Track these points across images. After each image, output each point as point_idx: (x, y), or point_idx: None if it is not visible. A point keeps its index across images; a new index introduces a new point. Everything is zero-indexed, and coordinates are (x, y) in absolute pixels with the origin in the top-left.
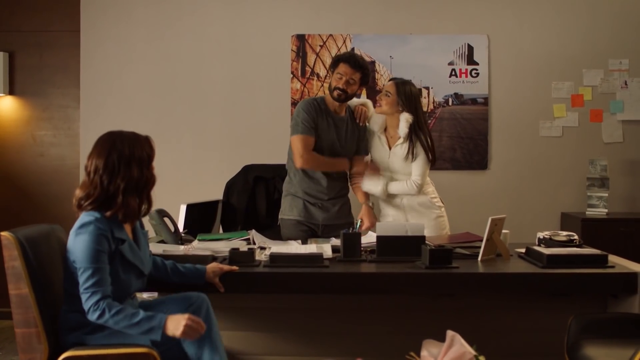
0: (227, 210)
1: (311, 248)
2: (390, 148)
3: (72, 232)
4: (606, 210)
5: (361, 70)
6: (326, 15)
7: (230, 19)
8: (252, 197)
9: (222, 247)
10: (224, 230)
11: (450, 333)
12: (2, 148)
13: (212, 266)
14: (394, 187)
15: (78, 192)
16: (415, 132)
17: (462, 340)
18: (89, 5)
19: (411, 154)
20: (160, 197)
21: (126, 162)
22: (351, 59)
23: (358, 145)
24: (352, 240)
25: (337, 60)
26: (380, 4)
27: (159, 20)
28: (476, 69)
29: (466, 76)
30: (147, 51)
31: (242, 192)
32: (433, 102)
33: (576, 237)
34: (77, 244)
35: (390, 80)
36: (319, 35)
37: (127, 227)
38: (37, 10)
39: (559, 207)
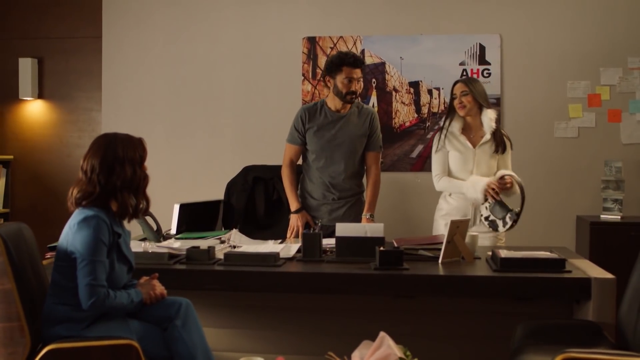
0: (227, 210)
1: (278, 247)
2: (474, 147)
3: (71, 225)
4: (620, 214)
5: (362, 64)
6: (336, 18)
7: (243, 23)
8: (251, 197)
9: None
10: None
11: (381, 334)
12: (33, 149)
13: (145, 287)
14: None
15: (75, 192)
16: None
17: (391, 342)
18: (109, 12)
19: (501, 148)
20: (175, 194)
21: (120, 162)
22: (354, 61)
23: (369, 141)
24: (311, 241)
25: (339, 65)
26: (390, 5)
27: (174, 25)
28: (488, 69)
29: (478, 76)
30: (162, 55)
31: (241, 193)
32: (444, 103)
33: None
34: (80, 237)
35: (456, 82)
36: (330, 37)
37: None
38: (64, 18)
39: (575, 211)
